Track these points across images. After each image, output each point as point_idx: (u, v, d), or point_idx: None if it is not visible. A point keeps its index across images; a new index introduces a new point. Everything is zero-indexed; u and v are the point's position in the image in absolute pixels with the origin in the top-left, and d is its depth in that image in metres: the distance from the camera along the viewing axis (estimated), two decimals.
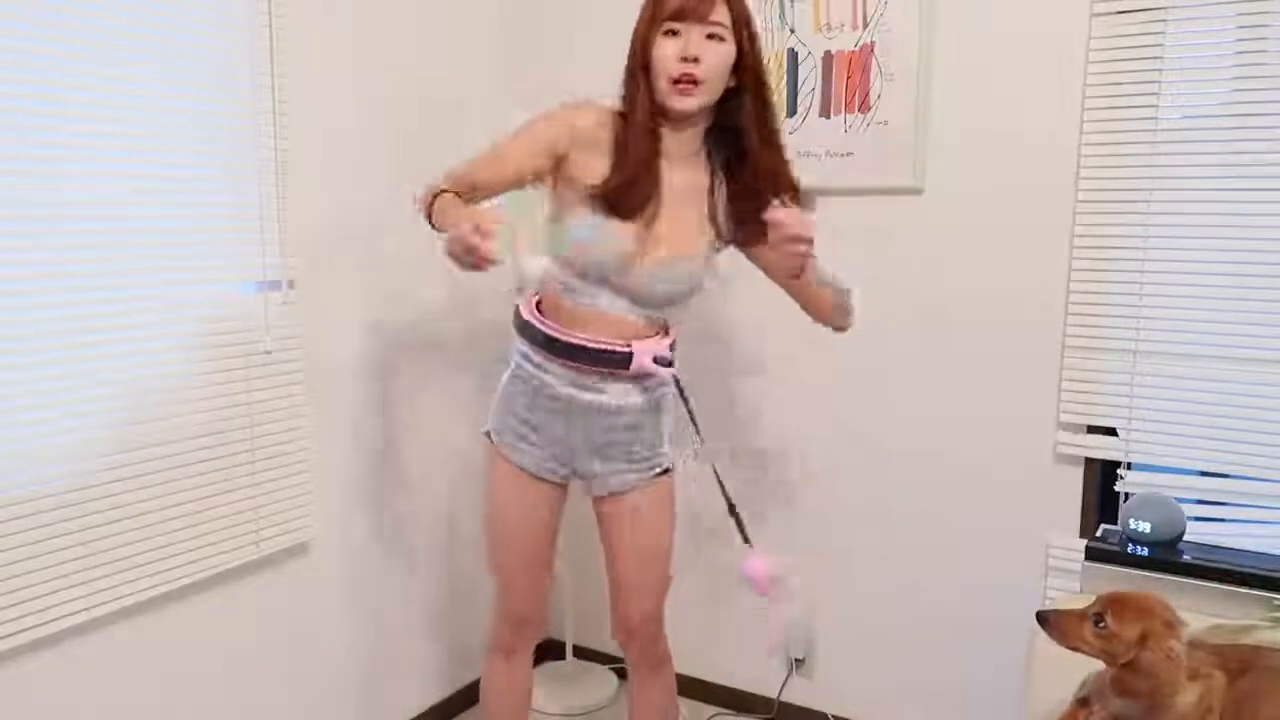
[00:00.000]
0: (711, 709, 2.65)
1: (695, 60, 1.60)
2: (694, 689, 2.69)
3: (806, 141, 2.34)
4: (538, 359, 1.75)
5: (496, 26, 2.59)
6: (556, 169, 1.70)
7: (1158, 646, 1.47)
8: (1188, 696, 1.49)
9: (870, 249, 2.33)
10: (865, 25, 2.23)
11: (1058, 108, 2.07)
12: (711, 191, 1.75)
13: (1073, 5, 2.03)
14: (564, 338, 1.71)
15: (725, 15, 1.63)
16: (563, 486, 1.86)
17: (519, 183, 1.70)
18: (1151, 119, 1.98)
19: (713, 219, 1.75)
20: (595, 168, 1.66)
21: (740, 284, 2.47)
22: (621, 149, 1.66)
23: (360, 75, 2.19)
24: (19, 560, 1.61)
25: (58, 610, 1.67)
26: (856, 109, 2.27)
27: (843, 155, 2.30)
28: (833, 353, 2.40)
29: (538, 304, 1.77)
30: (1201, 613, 1.82)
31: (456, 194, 1.61)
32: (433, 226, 1.61)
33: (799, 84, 2.33)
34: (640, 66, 1.65)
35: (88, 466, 1.70)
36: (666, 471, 1.84)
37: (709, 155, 1.75)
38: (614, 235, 1.66)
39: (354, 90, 2.18)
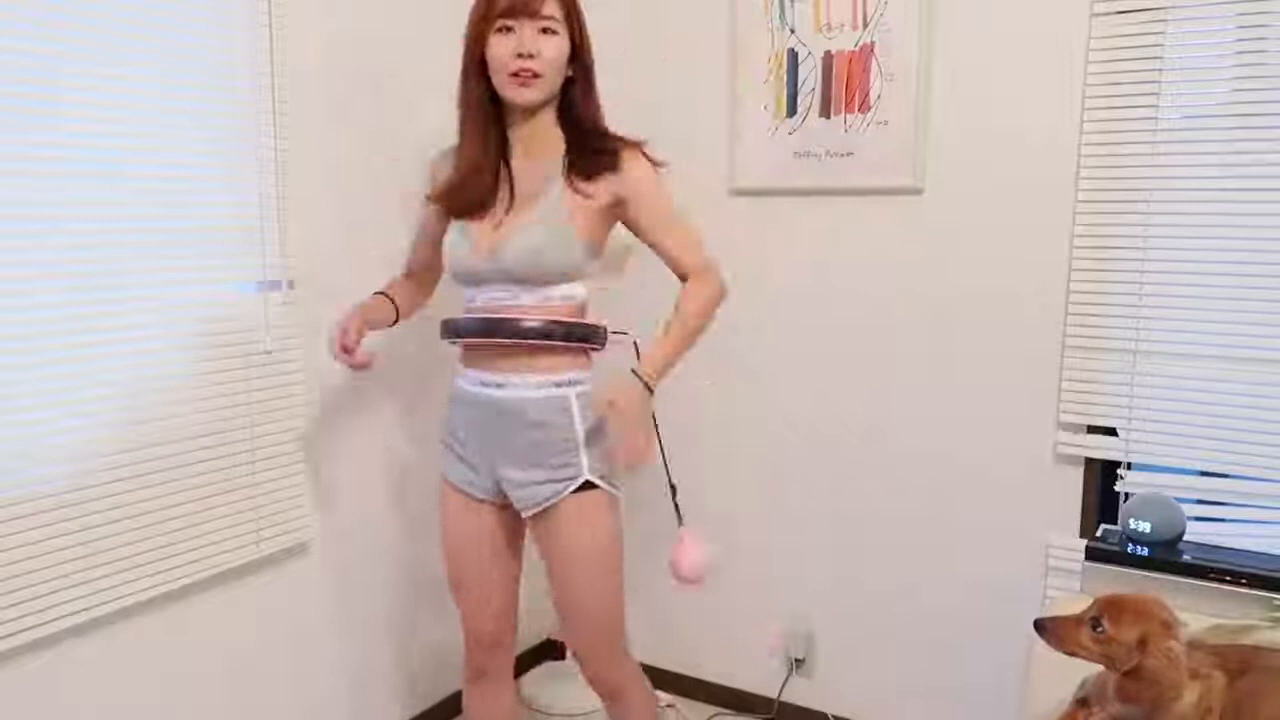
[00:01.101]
0: (711, 709, 2.65)
1: (531, 56, 1.63)
2: (694, 689, 2.69)
3: (806, 141, 2.34)
4: (459, 366, 1.79)
5: None
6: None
7: (1157, 649, 1.46)
8: (1188, 696, 1.49)
9: (870, 249, 2.33)
10: (865, 25, 2.24)
11: (1058, 108, 2.07)
12: (566, 167, 1.71)
13: (1073, 5, 2.04)
14: (456, 318, 1.74)
15: (556, 9, 1.65)
16: (503, 507, 1.79)
17: (438, 240, 1.81)
18: (1151, 119, 1.98)
19: (573, 188, 1.69)
20: None
21: (740, 283, 2.48)
22: (458, 156, 1.73)
23: (360, 75, 2.19)
24: (19, 560, 1.61)
25: (58, 610, 1.67)
26: (856, 109, 2.27)
27: (843, 155, 2.30)
28: (833, 352, 2.41)
29: None
30: (1201, 613, 1.82)
31: (382, 293, 1.87)
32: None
33: (799, 84, 2.33)
34: (474, 65, 1.69)
35: (88, 466, 1.70)
36: (589, 485, 1.70)
37: (556, 139, 1.74)
38: (464, 233, 1.72)
39: (354, 90, 2.18)
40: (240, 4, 1.89)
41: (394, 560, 2.41)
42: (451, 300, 1.87)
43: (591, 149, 1.70)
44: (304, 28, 2.04)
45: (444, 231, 1.78)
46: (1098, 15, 2.01)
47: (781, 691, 2.58)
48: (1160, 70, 1.96)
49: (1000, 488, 2.24)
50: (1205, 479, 2.06)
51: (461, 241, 1.72)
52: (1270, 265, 1.91)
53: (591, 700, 2.66)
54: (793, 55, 2.33)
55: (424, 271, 1.94)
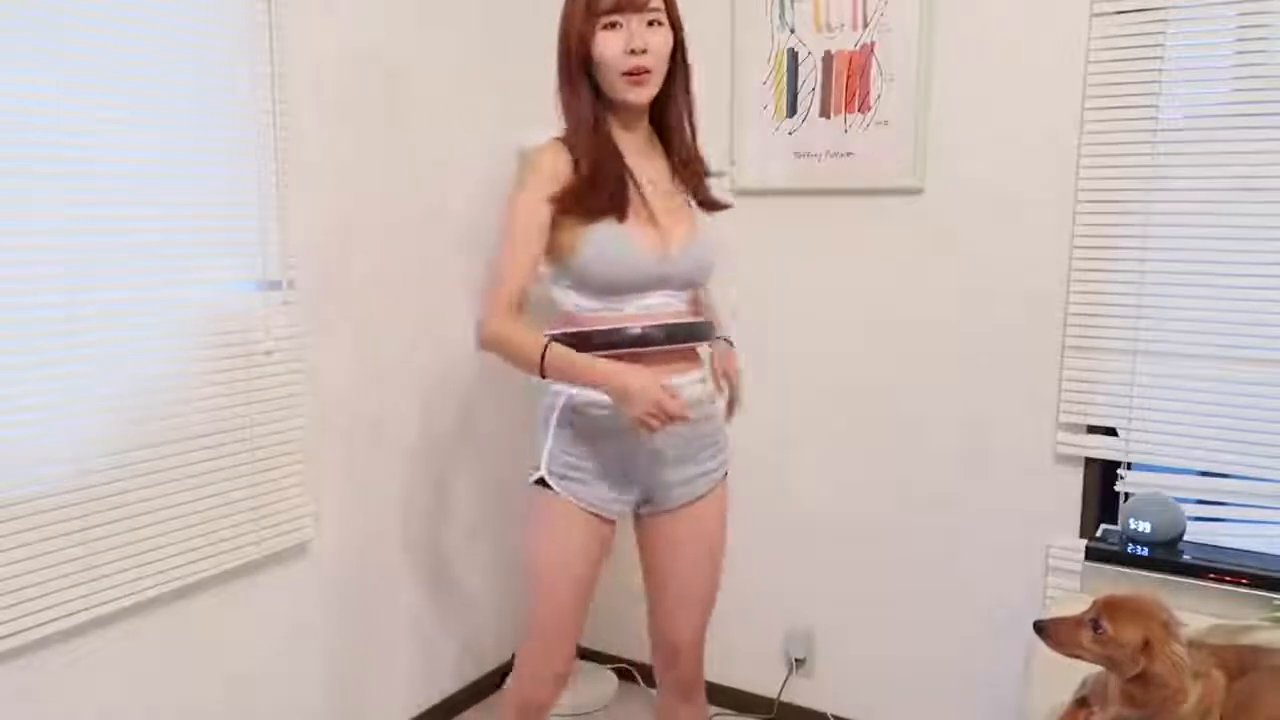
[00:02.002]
0: (711, 709, 2.65)
1: (644, 51, 1.57)
2: None
3: (806, 141, 2.34)
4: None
5: (497, 26, 2.59)
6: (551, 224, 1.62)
7: (1162, 655, 1.46)
8: (1190, 697, 1.49)
9: (870, 249, 2.33)
10: (865, 25, 2.24)
11: (1058, 108, 2.07)
12: (672, 166, 1.71)
13: (1073, 5, 2.04)
14: (636, 325, 1.60)
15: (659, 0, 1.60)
16: (613, 524, 1.73)
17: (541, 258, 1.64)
18: (1151, 119, 1.98)
19: (682, 189, 1.71)
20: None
21: (740, 283, 2.48)
22: (576, 155, 1.61)
23: (360, 74, 2.19)
24: (19, 560, 1.61)
25: (58, 610, 1.67)
26: (856, 109, 2.27)
27: (843, 155, 2.30)
28: (832, 352, 2.41)
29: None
30: (1201, 613, 1.82)
31: (561, 341, 1.58)
32: (544, 375, 1.58)
33: (799, 84, 2.33)
34: (580, 65, 1.60)
35: (88, 466, 1.70)
36: (725, 475, 1.78)
37: (660, 138, 1.72)
38: (633, 236, 1.60)
39: (354, 90, 2.18)
40: (240, 4, 1.89)
41: (394, 560, 2.41)
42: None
43: (703, 199, 1.72)
44: (304, 28, 2.03)
45: (546, 247, 1.65)
46: (1098, 15, 2.01)
47: (781, 691, 2.58)
48: (1160, 70, 1.96)
49: (1000, 488, 2.24)
50: (1205, 479, 2.06)
51: (628, 245, 1.59)
52: (1270, 265, 1.91)
53: (592, 700, 2.66)
54: (793, 55, 2.33)
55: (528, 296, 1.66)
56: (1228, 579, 1.89)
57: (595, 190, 1.59)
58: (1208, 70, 1.94)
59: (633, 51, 1.56)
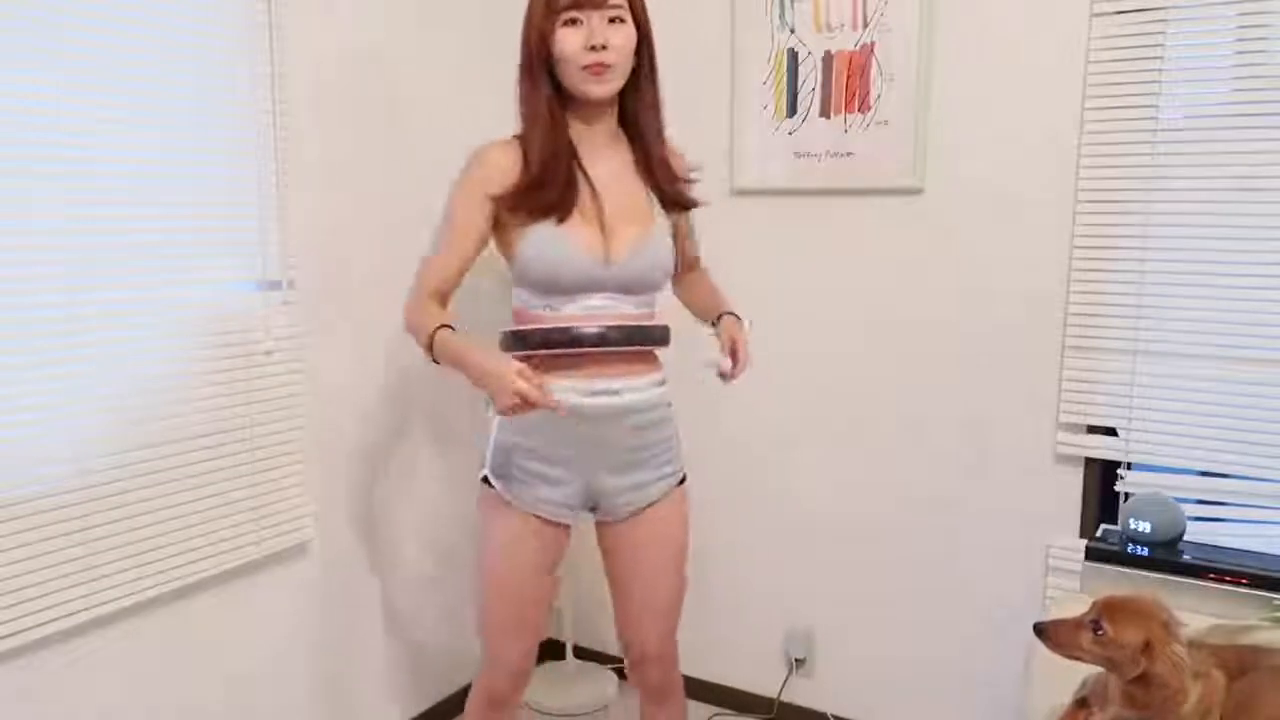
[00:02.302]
0: (711, 709, 2.65)
1: (604, 47, 1.56)
2: (694, 689, 2.68)
3: (806, 141, 2.34)
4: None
5: (497, 26, 2.59)
6: (496, 221, 1.65)
7: (1163, 655, 1.46)
8: (1190, 697, 1.49)
9: (870, 249, 2.33)
10: (865, 25, 2.24)
11: (1058, 108, 2.07)
12: (637, 167, 1.70)
13: (1073, 5, 2.04)
14: (574, 325, 1.61)
15: None
16: (567, 528, 1.73)
17: (474, 259, 1.67)
18: (1151, 119, 1.98)
19: (648, 189, 1.70)
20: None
21: (740, 283, 2.48)
22: (525, 153, 1.62)
23: (360, 74, 2.19)
24: (19, 560, 1.61)
25: (58, 610, 1.67)
26: (856, 109, 2.27)
27: (843, 155, 2.30)
28: (832, 352, 2.41)
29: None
30: (1201, 613, 1.81)
31: (447, 325, 1.60)
32: (435, 360, 1.61)
33: (799, 84, 2.33)
34: (539, 61, 1.60)
35: (88, 466, 1.70)
36: (683, 480, 1.79)
37: (626, 135, 1.71)
38: (570, 238, 1.61)
39: (354, 89, 2.18)
40: (240, 4, 1.89)
41: (394, 560, 2.41)
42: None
43: (674, 196, 1.71)
44: (304, 28, 2.04)
45: (483, 242, 1.67)
46: (1098, 15, 2.01)
47: (781, 691, 2.58)
48: (1160, 70, 1.96)
49: (1000, 488, 2.24)
50: (1205, 479, 2.06)
51: (565, 246, 1.60)
52: (1270, 265, 1.91)
53: (592, 700, 2.66)
54: (793, 55, 2.33)
55: (452, 290, 1.70)
56: (1228, 579, 1.89)
57: (540, 190, 1.61)
58: (1208, 70, 1.94)
59: (592, 48, 1.56)
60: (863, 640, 2.46)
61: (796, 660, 2.54)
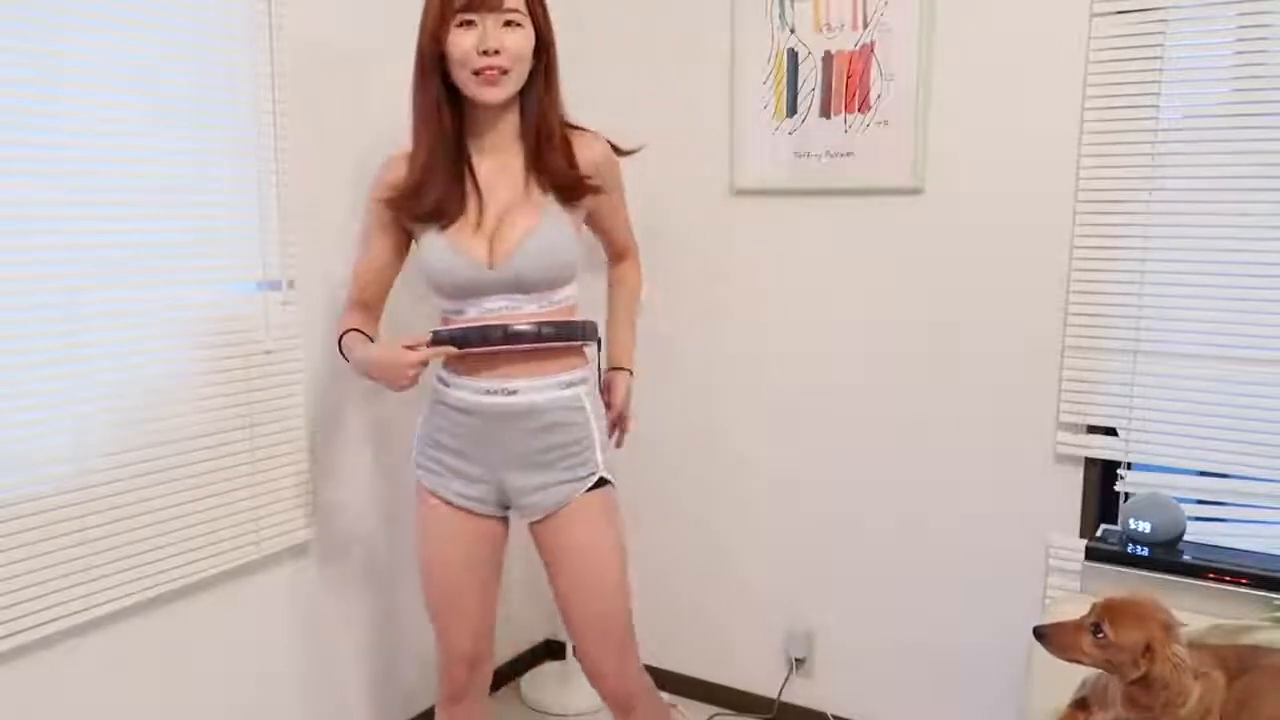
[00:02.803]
0: (711, 709, 2.65)
1: (496, 52, 1.55)
2: (694, 689, 2.69)
3: (806, 141, 2.34)
4: (449, 376, 1.70)
5: None
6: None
7: (1164, 656, 1.46)
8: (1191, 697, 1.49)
9: (870, 249, 2.33)
10: (865, 25, 2.24)
11: (1058, 108, 2.07)
12: (530, 165, 1.67)
13: (1073, 5, 2.04)
14: (452, 323, 1.66)
15: (519, 0, 1.58)
16: (498, 520, 1.76)
17: (393, 264, 1.76)
18: (1151, 119, 1.98)
19: (540, 186, 1.66)
20: None
21: (740, 283, 2.48)
22: (412, 157, 1.65)
23: (360, 74, 2.19)
24: (19, 560, 1.61)
25: (58, 610, 1.67)
26: (856, 109, 2.27)
27: (843, 155, 2.30)
28: (832, 352, 2.41)
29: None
30: (1201, 613, 1.82)
31: (357, 329, 1.74)
32: (347, 359, 1.72)
33: (799, 84, 2.33)
34: (431, 63, 1.60)
35: (88, 466, 1.70)
36: (603, 483, 1.70)
37: (522, 135, 1.69)
38: (452, 245, 1.62)
39: (354, 89, 2.18)
40: (241, 5, 1.89)
41: (393, 560, 2.41)
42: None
43: (567, 183, 1.66)
44: (304, 28, 2.03)
45: (398, 247, 1.73)
46: (1098, 15, 2.01)
47: (781, 691, 2.58)
48: (1160, 70, 1.96)
49: (1000, 488, 2.24)
50: (1205, 479, 2.06)
51: (448, 253, 1.62)
52: (1270, 265, 1.91)
53: (591, 700, 2.66)
54: (793, 55, 2.33)
55: (376, 299, 1.79)
56: (1228, 579, 1.89)
57: (418, 194, 1.64)
58: (1208, 70, 1.94)
59: (484, 52, 1.55)
60: (863, 641, 2.46)
61: (796, 660, 2.54)
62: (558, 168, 1.65)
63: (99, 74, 1.67)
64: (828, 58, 2.30)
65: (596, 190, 1.70)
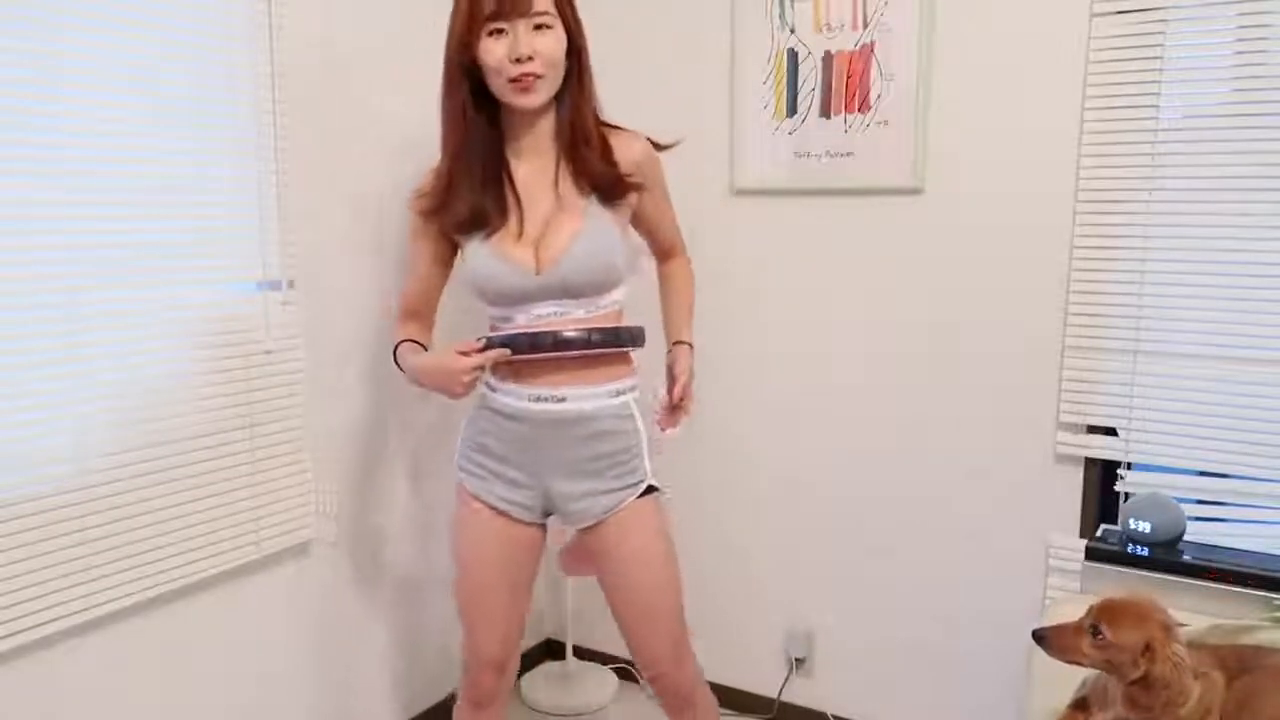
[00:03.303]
0: None
1: (530, 58, 1.53)
2: None
3: (806, 142, 2.34)
4: (497, 382, 1.70)
5: None
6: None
7: (1164, 656, 1.46)
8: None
9: (870, 249, 2.33)
10: (865, 25, 2.24)
11: (1058, 108, 2.07)
12: (569, 167, 1.65)
13: (1073, 5, 2.03)
14: (501, 330, 1.65)
15: (548, 2, 1.55)
16: (537, 527, 1.75)
17: (437, 272, 1.75)
18: (1151, 119, 1.98)
19: (579, 188, 1.64)
20: None
21: (740, 283, 2.48)
22: (448, 164, 1.63)
23: (361, 74, 2.19)
24: (19, 560, 1.61)
25: (58, 610, 1.67)
26: (856, 109, 2.27)
27: (843, 155, 2.30)
28: (832, 353, 2.41)
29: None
30: (1201, 613, 1.82)
31: (410, 340, 1.75)
32: (401, 370, 1.74)
33: (799, 84, 2.33)
34: (461, 71, 1.58)
35: (88, 466, 1.70)
36: (651, 490, 1.71)
37: (557, 137, 1.67)
38: (496, 252, 1.61)
39: (354, 89, 2.18)
40: (241, 5, 1.89)
41: (394, 560, 2.41)
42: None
43: (607, 183, 1.63)
44: (304, 28, 2.03)
45: (438, 255, 1.72)
46: (1098, 15, 2.01)
47: (781, 691, 2.58)
48: (1160, 70, 1.96)
49: (1000, 488, 2.24)
50: (1205, 479, 2.06)
51: (492, 261, 1.61)
52: (1270, 265, 1.91)
53: (592, 700, 2.66)
54: (793, 55, 2.33)
55: (426, 308, 1.80)
56: (1228, 579, 1.89)
57: (448, 205, 1.62)
58: (1208, 70, 1.94)
59: (517, 60, 1.53)
60: (863, 640, 2.46)
61: (796, 660, 2.54)
62: (596, 168, 1.63)
63: (99, 74, 1.67)
64: (828, 58, 2.30)
65: (638, 188, 1.68)
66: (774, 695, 2.59)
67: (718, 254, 2.48)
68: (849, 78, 2.27)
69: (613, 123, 1.71)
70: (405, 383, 1.67)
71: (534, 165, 1.66)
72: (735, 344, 2.51)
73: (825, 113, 2.31)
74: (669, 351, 1.82)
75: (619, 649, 2.81)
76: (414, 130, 2.35)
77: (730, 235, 2.46)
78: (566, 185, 1.64)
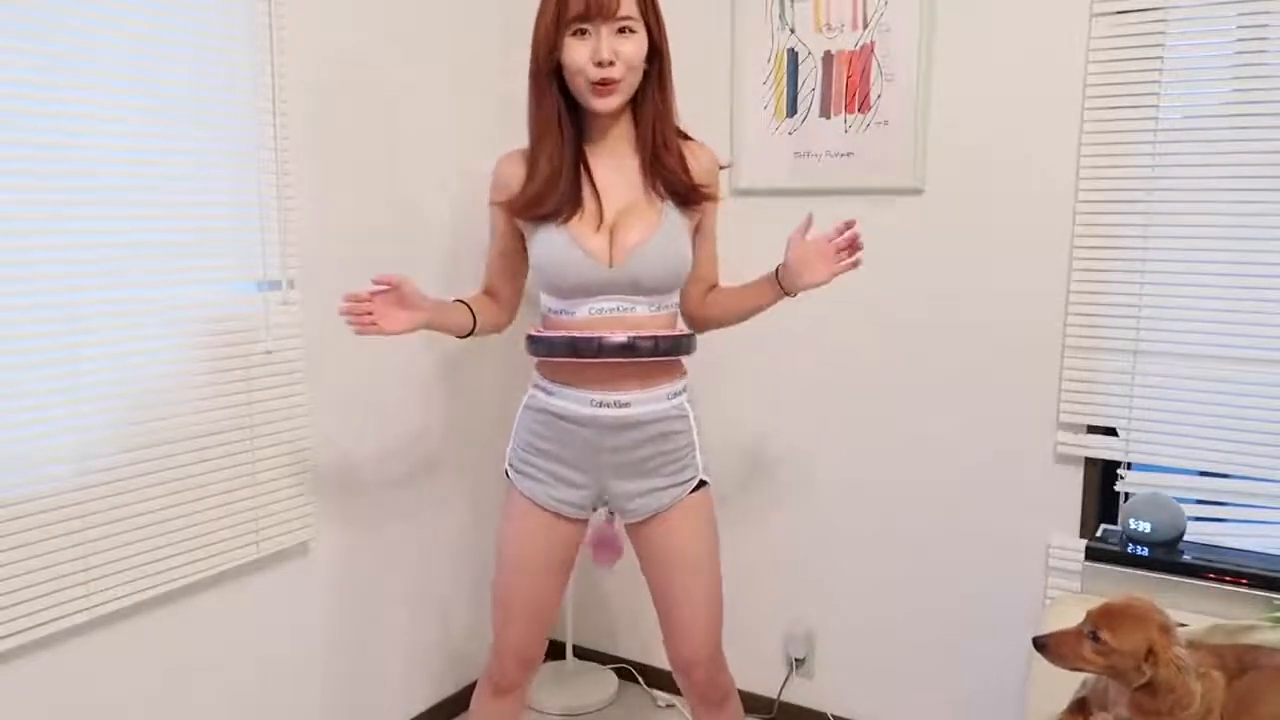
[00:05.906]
0: None
1: (611, 62, 1.55)
2: None
3: (806, 141, 2.34)
4: (553, 386, 1.69)
5: (499, 23, 2.59)
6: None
7: (1166, 660, 1.46)
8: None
9: (870, 249, 2.32)
10: (865, 25, 2.24)
11: (1058, 108, 2.07)
12: (642, 166, 1.68)
13: (1073, 5, 2.03)
14: (564, 333, 1.65)
15: (633, 6, 1.56)
16: (582, 523, 1.77)
17: (518, 251, 1.75)
18: (1151, 119, 1.98)
19: (657, 191, 1.67)
20: None
21: (737, 284, 2.48)
22: (531, 160, 1.66)
23: (361, 75, 2.19)
24: (19, 560, 1.61)
25: (58, 610, 1.67)
26: (856, 109, 2.27)
27: (843, 155, 2.30)
28: (832, 353, 2.41)
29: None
30: (1201, 613, 1.82)
31: (461, 300, 1.76)
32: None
33: (799, 84, 2.33)
34: (547, 71, 1.60)
35: (88, 466, 1.70)
36: (702, 485, 1.75)
37: (637, 139, 1.69)
38: (572, 239, 1.63)
39: (354, 89, 2.18)
40: (241, 6, 1.89)
41: (394, 560, 2.41)
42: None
43: (683, 189, 1.67)
44: (304, 29, 2.04)
45: (519, 241, 1.73)
46: (1098, 15, 2.01)
47: (781, 691, 2.58)
48: (1160, 70, 1.96)
49: (1000, 488, 2.24)
50: (1205, 479, 2.06)
51: (568, 247, 1.62)
52: (1270, 265, 1.91)
53: (592, 700, 2.66)
54: (793, 55, 2.33)
55: (507, 289, 1.82)
56: (1228, 579, 1.89)
57: (540, 200, 1.63)
58: (1208, 70, 1.94)
59: (600, 63, 1.55)
60: (863, 640, 2.46)
61: (796, 660, 2.54)
62: (674, 174, 1.67)
63: (99, 74, 1.67)
64: (828, 58, 2.29)
65: (712, 198, 1.73)
66: (774, 695, 2.59)
67: (718, 254, 2.47)
68: (849, 78, 2.27)
69: (685, 132, 1.74)
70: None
71: (611, 164, 1.68)
72: (734, 345, 2.51)
73: (825, 113, 2.31)
74: (780, 271, 1.82)
75: (619, 649, 2.81)
76: (414, 129, 2.35)
77: (730, 235, 2.45)
78: (645, 186, 1.67)
